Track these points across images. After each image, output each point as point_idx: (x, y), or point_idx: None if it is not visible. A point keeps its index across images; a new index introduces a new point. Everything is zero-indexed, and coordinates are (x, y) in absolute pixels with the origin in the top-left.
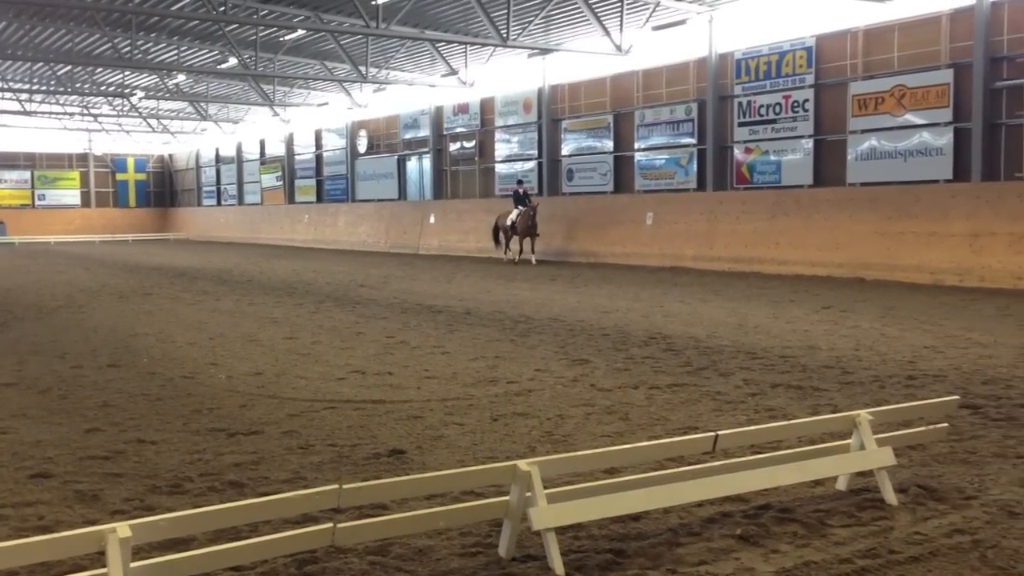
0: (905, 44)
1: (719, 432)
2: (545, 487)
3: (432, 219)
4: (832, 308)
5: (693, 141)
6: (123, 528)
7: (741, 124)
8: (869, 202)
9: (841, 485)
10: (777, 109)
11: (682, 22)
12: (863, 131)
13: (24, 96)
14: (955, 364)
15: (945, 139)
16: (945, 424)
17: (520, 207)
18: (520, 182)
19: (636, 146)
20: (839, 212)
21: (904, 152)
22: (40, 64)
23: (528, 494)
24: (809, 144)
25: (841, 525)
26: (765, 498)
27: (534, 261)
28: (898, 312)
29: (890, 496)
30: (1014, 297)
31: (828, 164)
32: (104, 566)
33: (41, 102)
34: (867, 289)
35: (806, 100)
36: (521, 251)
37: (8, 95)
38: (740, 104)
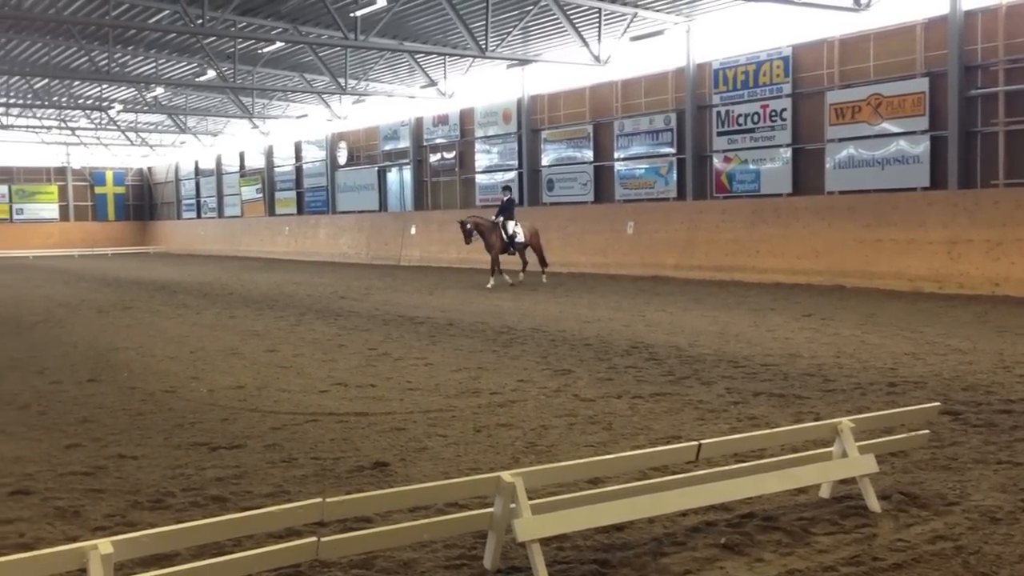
0: (881, 53)
1: (702, 441)
2: (529, 498)
3: (413, 230)
4: (813, 316)
5: (672, 151)
6: (105, 545)
7: (720, 133)
8: (847, 210)
9: (824, 493)
10: (755, 118)
11: (660, 33)
12: (840, 140)
13: (0, 110)
14: (935, 371)
15: (922, 147)
16: (926, 431)
17: (511, 220)
18: (508, 188)
19: (616, 156)
20: (818, 220)
21: (881, 160)
22: (16, 77)
23: (512, 505)
24: (787, 153)
25: (825, 533)
26: (749, 507)
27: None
28: (878, 319)
29: (873, 503)
30: (992, 303)
31: (806, 173)
32: None
33: (18, 116)
34: (847, 297)
35: (784, 109)
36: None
37: None
38: (718, 113)
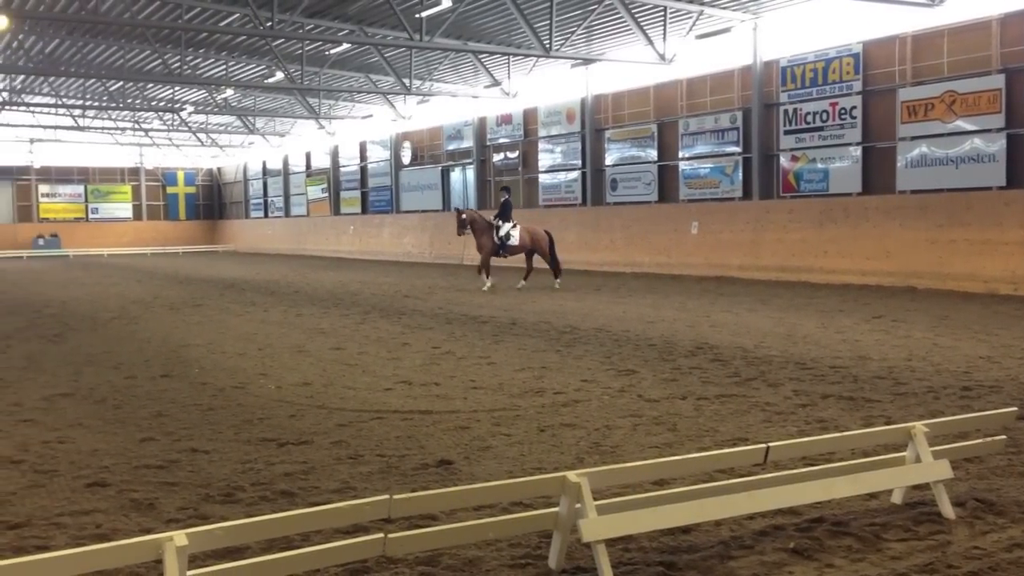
0: (955, 49)
1: (770, 444)
2: (594, 498)
3: None
4: (883, 318)
5: (738, 150)
6: (180, 537)
7: (787, 132)
8: (919, 210)
9: (896, 498)
10: (824, 116)
11: (726, 30)
12: (913, 138)
13: (77, 112)
14: (1012, 375)
15: (997, 145)
16: (1003, 436)
17: (508, 222)
18: (506, 189)
19: (680, 155)
20: (888, 220)
21: (955, 159)
22: (93, 80)
23: (578, 505)
24: (857, 151)
25: (897, 539)
26: (818, 511)
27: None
28: (951, 322)
29: (947, 510)
30: None
31: (877, 171)
32: (161, 575)
33: (94, 118)
34: (918, 298)
35: (853, 107)
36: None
37: (62, 111)
38: (786, 112)
